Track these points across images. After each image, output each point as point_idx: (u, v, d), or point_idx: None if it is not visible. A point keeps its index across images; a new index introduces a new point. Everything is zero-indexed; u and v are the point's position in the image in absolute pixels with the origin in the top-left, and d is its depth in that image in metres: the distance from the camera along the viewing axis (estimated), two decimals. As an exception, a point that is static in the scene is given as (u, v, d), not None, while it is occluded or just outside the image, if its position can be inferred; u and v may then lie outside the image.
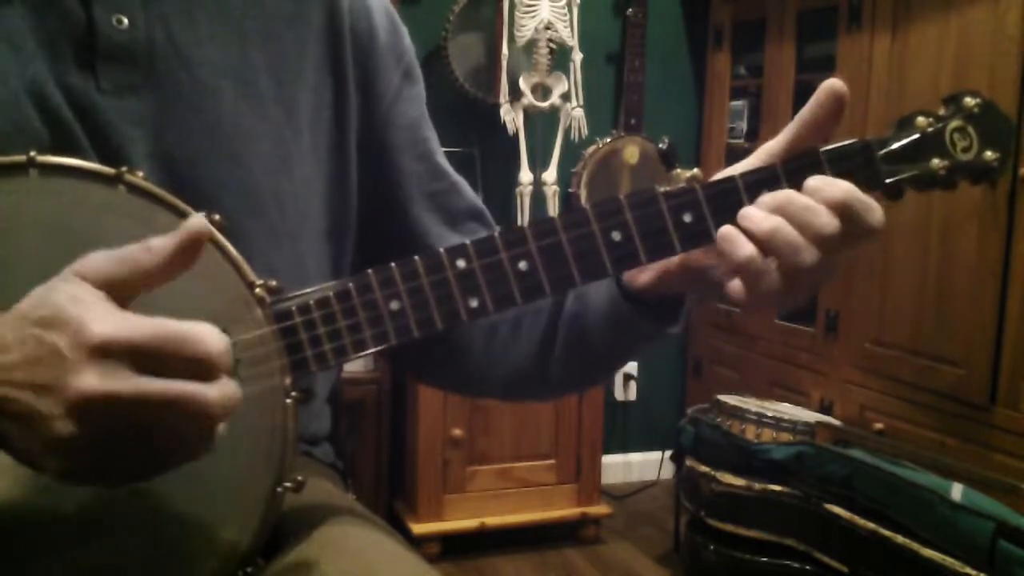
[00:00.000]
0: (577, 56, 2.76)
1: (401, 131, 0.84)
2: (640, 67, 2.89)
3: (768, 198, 0.65)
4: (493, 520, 2.60)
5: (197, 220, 0.58)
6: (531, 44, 2.71)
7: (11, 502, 0.60)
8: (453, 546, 2.57)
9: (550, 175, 2.80)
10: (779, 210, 0.64)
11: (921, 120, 0.69)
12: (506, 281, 0.67)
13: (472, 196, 0.89)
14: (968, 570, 1.79)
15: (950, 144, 0.69)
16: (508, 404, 2.57)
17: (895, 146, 0.68)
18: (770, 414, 2.31)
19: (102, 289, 0.55)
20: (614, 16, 3.07)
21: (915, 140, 0.69)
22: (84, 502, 0.62)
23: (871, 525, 1.97)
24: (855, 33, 2.49)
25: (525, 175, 2.79)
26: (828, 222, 0.63)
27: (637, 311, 0.74)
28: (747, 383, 2.84)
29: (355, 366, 2.56)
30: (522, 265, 0.67)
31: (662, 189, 0.67)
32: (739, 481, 2.22)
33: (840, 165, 0.67)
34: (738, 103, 3.03)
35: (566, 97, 2.76)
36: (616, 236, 0.67)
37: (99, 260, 0.56)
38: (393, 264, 0.66)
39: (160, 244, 0.57)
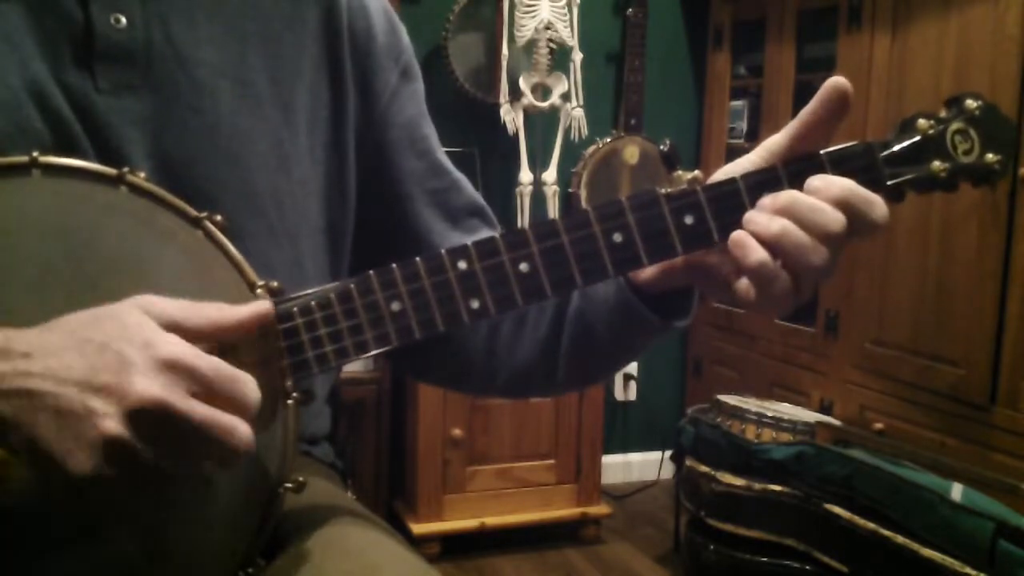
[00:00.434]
0: (577, 56, 2.76)
1: (400, 129, 0.84)
2: (640, 67, 2.89)
3: (771, 200, 0.65)
4: (493, 520, 2.60)
5: (266, 304, 0.63)
6: (531, 44, 2.71)
7: (10, 503, 0.60)
8: (453, 546, 2.57)
9: (550, 175, 2.80)
10: (784, 212, 0.64)
11: (922, 122, 0.69)
12: (507, 282, 0.67)
13: (473, 193, 0.89)
14: (968, 570, 1.79)
15: (951, 146, 0.69)
16: (508, 402, 2.58)
17: (897, 148, 0.68)
18: (770, 414, 2.31)
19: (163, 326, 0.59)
20: (614, 16, 3.07)
21: (917, 142, 0.69)
22: (84, 503, 0.62)
23: (871, 525, 1.97)
24: (855, 33, 2.49)
25: (525, 175, 2.79)
26: (835, 219, 0.64)
27: (645, 304, 0.74)
28: (747, 383, 2.84)
29: (355, 366, 2.56)
30: (523, 267, 0.67)
31: (663, 191, 0.67)
32: (739, 481, 2.22)
33: (842, 167, 0.67)
34: (738, 103, 3.03)
35: (566, 97, 2.76)
36: (618, 238, 0.67)
37: (163, 302, 0.60)
38: (395, 265, 0.66)
39: (231, 310, 0.61)
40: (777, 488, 2.16)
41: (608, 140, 2.86)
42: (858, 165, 0.67)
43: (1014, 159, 1.96)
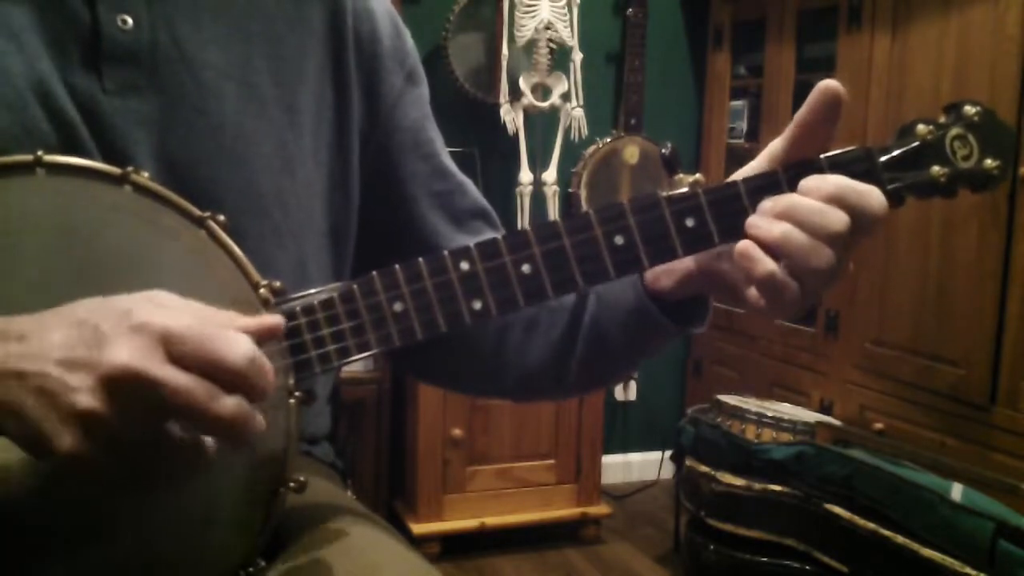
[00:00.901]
0: (577, 56, 2.76)
1: (405, 132, 0.84)
2: (640, 67, 2.89)
3: (771, 204, 0.66)
4: (493, 520, 2.60)
5: (277, 318, 0.62)
6: (531, 44, 2.71)
7: (10, 503, 0.60)
8: (453, 546, 2.57)
9: (550, 175, 2.80)
10: (785, 215, 0.65)
11: (922, 128, 0.70)
12: (509, 284, 0.67)
13: (477, 196, 0.89)
14: (968, 570, 1.79)
15: (950, 152, 0.70)
16: (510, 404, 2.58)
17: (896, 153, 0.69)
18: (770, 414, 2.31)
19: None
20: (614, 16, 3.08)
21: (916, 148, 0.69)
22: (84, 502, 0.62)
23: (871, 525, 1.97)
24: (855, 33, 2.49)
25: (525, 175, 2.79)
26: (836, 219, 0.64)
27: (663, 310, 0.75)
28: (747, 383, 2.84)
29: (355, 366, 2.56)
30: (525, 268, 0.67)
31: (665, 194, 0.67)
32: (739, 481, 2.22)
33: (841, 171, 0.67)
34: (738, 103, 3.03)
35: (566, 97, 2.76)
36: (619, 240, 0.67)
37: (175, 299, 0.59)
38: (397, 266, 0.67)
39: (241, 320, 0.60)
40: (777, 488, 2.17)
41: (608, 140, 2.87)
42: (857, 170, 0.67)
43: (1014, 160, 1.96)
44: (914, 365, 2.32)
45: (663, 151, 2.75)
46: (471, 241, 0.68)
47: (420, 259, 0.67)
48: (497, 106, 2.75)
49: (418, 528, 2.54)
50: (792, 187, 0.67)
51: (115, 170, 0.64)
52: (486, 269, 0.67)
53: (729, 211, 0.67)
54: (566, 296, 0.77)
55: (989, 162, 0.70)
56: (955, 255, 2.20)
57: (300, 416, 0.66)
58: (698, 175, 0.68)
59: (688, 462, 2.39)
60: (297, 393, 0.65)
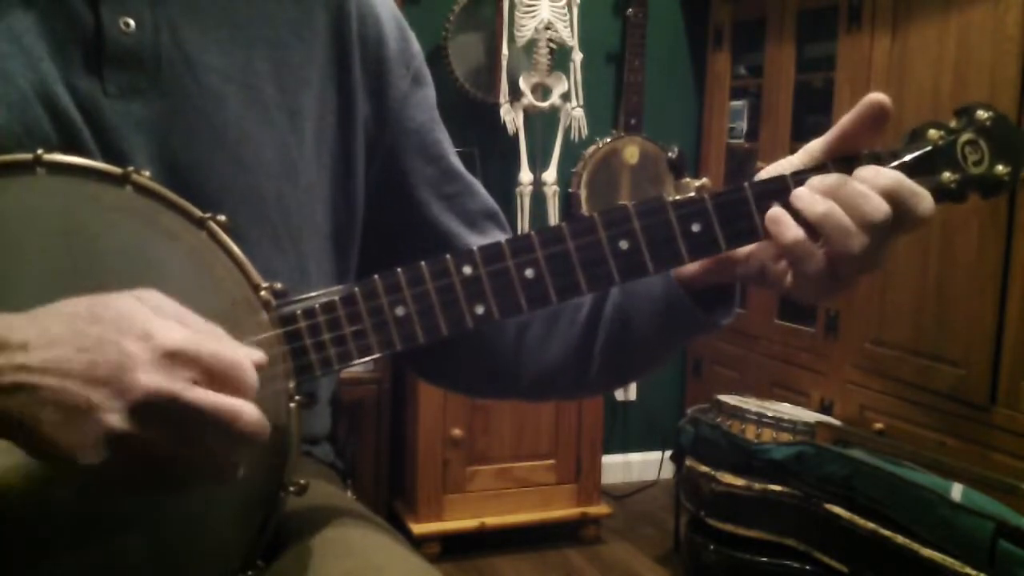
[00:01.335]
0: (577, 56, 2.76)
1: (412, 135, 0.84)
2: (640, 67, 2.89)
3: (819, 180, 0.66)
4: (493, 520, 2.60)
5: (258, 354, 0.62)
6: (531, 44, 2.71)
7: (10, 504, 0.60)
8: (453, 546, 2.57)
9: (550, 175, 2.80)
10: (831, 193, 0.65)
11: (933, 132, 0.69)
12: (512, 288, 0.67)
13: (486, 197, 0.89)
14: (968, 570, 1.79)
15: (961, 157, 0.69)
16: (510, 404, 2.57)
17: (906, 158, 0.69)
18: (770, 414, 2.31)
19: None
20: (614, 16, 3.07)
21: (926, 152, 0.69)
22: (85, 504, 0.62)
23: (871, 525, 1.97)
24: (855, 33, 2.49)
25: (525, 175, 2.79)
26: (878, 207, 0.64)
27: (692, 301, 0.74)
28: (747, 383, 2.84)
29: (355, 366, 2.56)
30: (528, 272, 0.67)
31: (670, 198, 0.67)
32: (739, 481, 2.22)
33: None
34: (738, 103, 3.03)
35: (566, 97, 2.76)
36: (623, 245, 0.67)
37: (157, 296, 0.59)
38: (399, 269, 0.66)
39: (228, 344, 0.60)
40: (777, 488, 2.17)
41: (608, 140, 2.87)
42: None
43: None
44: (914, 365, 2.32)
45: (669, 154, 2.76)
46: (485, 242, 0.68)
47: (422, 262, 0.66)
48: (497, 106, 2.75)
49: (418, 528, 2.54)
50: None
51: (116, 170, 0.64)
52: (489, 273, 0.67)
53: (735, 216, 0.67)
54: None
55: (1000, 168, 0.70)
56: (955, 255, 2.20)
57: (301, 419, 0.66)
58: (705, 180, 0.69)
59: (688, 462, 2.39)
60: (298, 396, 0.65)
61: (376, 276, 0.66)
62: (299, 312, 0.66)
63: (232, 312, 0.63)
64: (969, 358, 2.16)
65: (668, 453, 2.87)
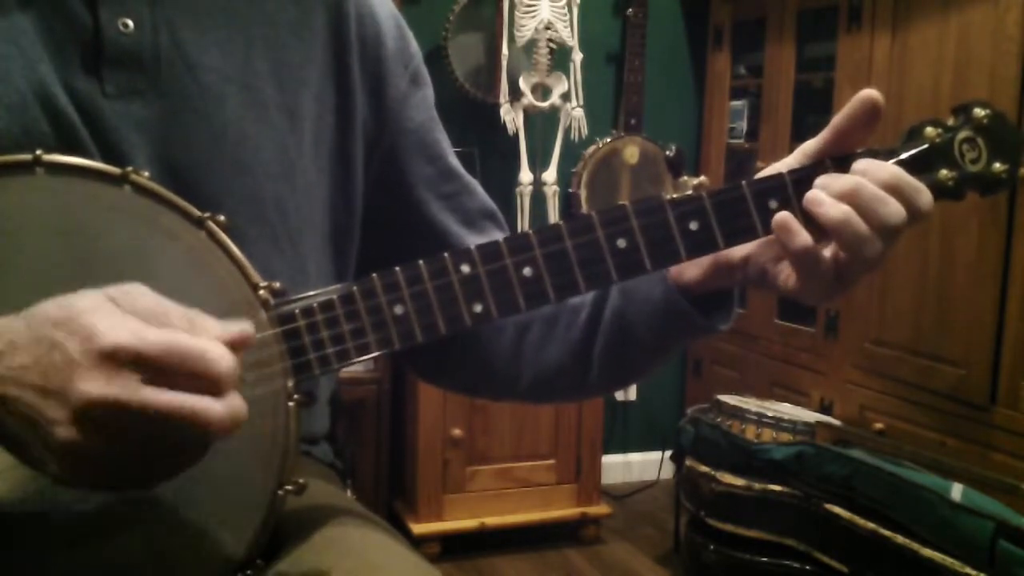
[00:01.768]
0: (577, 56, 2.76)
1: (410, 135, 0.84)
2: (640, 67, 2.89)
3: (832, 181, 0.65)
4: (493, 520, 2.60)
5: (247, 327, 0.59)
6: (531, 44, 2.71)
7: (10, 504, 0.60)
8: (453, 546, 2.57)
9: (550, 175, 2.80)
10: (848, 197, 0.64)
11: (930, 130, 0.69)
12: (510, 287, 0.67)
13: (484, 196, 0.89)
14: (968, 570, 1.79)
15: (959, 155, 0.69)
16: (510, 404, 2.57)
17: (904, 156, 0.69)
18: (770, 414, 2.31)
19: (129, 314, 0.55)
20: (614, 16, 3.07)
21: (924, 150, 0.69)
22: (84, 505, 0.62)
23: (871, 525, 1.97)
24: (855, 33, 2.49)
25: (525, 175, 2.79)
26: (896, 211, 0.64)
27: (690, 305, 0.73)
28: (747, 383, 2.84)
29: (355, 366, 2.56)
30: (526, 271, 0.67)
31: (668, 197, 0.67)
32: (739, 481, 2.22)
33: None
34: (738, 103, 3.03)
35: (566, 97, 2.76)
36: (621, 243, 0.67)
37: (136, 291, 0.56)
38: (397, 268, 0.66)
39: (211, 324, 0.57)
40: (777, 488, 2.17)
41: (608, 140, 2.87)
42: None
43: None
44: (914, 365, 2.32)
45: (667, 153, 2.76)
46: (483, 241, 0.68)
47: (420, 261, 0.66)
48: (497, 106, 2.75)
49: (418, 528, 2.54)
50: (797, 190, 0.67)
51: (115, 170, 0.64)
52: (487, 272, 0.67)
53: (733, 214, 0.67)
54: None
55: (998, 166, 0.70)
56: (955, 255, 2.20)
57: (299, 418, 0.66)
58: (703, 178, 0.69)
59: (688, 462, 2.39)
60: (296, 395, 0.65)
61: (374, 275, 0.66)
62: (298, 311, 0.65)
63: (231, 312, 0.63)
64: (969, 358, 2.16)
65: (668, 453, 2.87)
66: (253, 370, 0.63)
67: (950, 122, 0.70)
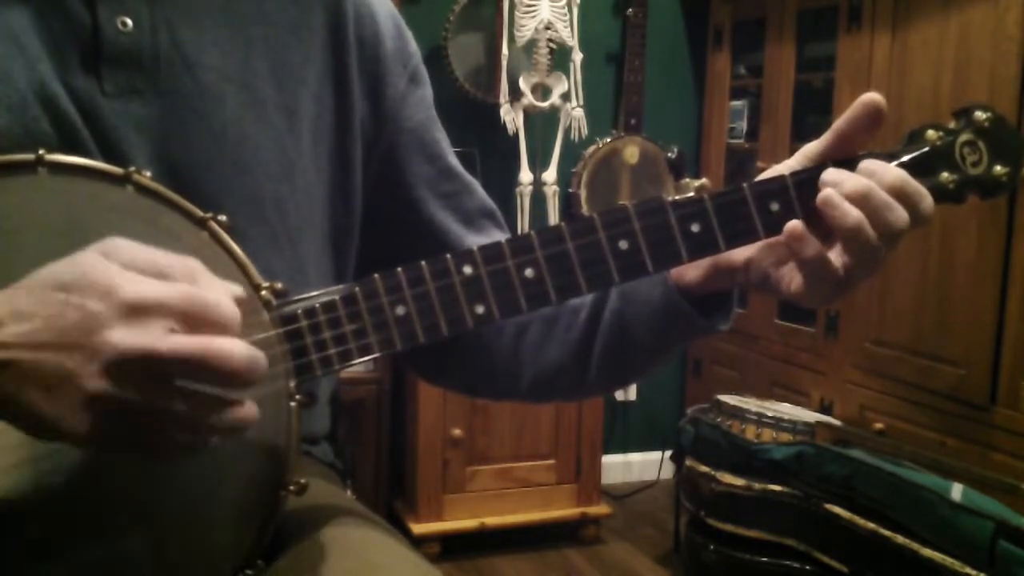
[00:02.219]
0: (577, 56, 2.76)
1: (410, 134, 0.84)
2: (640, 67, 2.89)
3: (846, 181, 0.65)
4: (493, 520, 2.60)
5: (237, 289, 0.60)
6: (531, 44, 2.71)
7: (10, 504, 0.60)
8: (453, 546, 2.57)
9: (550, 175, 2.80)
10: (859, 202, 0.64)
11: (931, 133, 0.69)
12: (512, 288, 0.67)
13: (484, 196, 0.89)
14: (968, 570, 1.79)
15: (960, 158, 0.69)
16: (510, 403, 2.57)
17: (905, 159, 0.69)
18: (770, 414, 2.31)
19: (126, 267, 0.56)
20: (614, 16, 3.07)
21: (924, 153, 0.69)
22: (85, 502, 0.62)
23: (871, 525, 1.98)
24: (855, 33, 2.49)
25: (525, 175, 2.79)
26: (900, 217, 0.64)
27: (690, 306, 0.74)
28: (747, 383, 2.84)
29: (355, 366, 2.56)
30: (528, 272, 0.67)
31: (670, 198, 0.67)
32: (739, 481, 2.22)
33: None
34: (738, 103, 3.03)
35: (566, 97, 2.76)
36: (623, 245, 0.67)
37: (125, 245, 0.57)
38: (399, 269, 0.66)
39: (209, 276, 0.59)
40: (777, 488, 2.17)
41: (608, 140, 2.87)
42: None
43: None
44: (914, 365, 2.32)
45: (669, 155, 2.76)
46: (483, 241, 0.68)
47: (423, 262, 0.66)
48: (497, 106, 2.75)
49: (418, 528, 2.54)
50: (798, 192, 0.67)
51: (117, 170, 0.64)
52: (489, 273, 0.67)
53: (735, 216, 0.67)
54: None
55: (999, 168, 0.70)
56: (955, 255, 2.20)
57: (301, 418, 0.66)
58: (704, 180, 0.69)
59: (688, 462, 2.39)
60: (298, 396, 0.65)
61: (376, 275, 0.66)
62: (300, 312, 0.65)
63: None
64: (969, 358, 2.16)
65: (668, 453, 2.87)
66: None
67: (951, 125, 0.71)
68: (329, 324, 0.66)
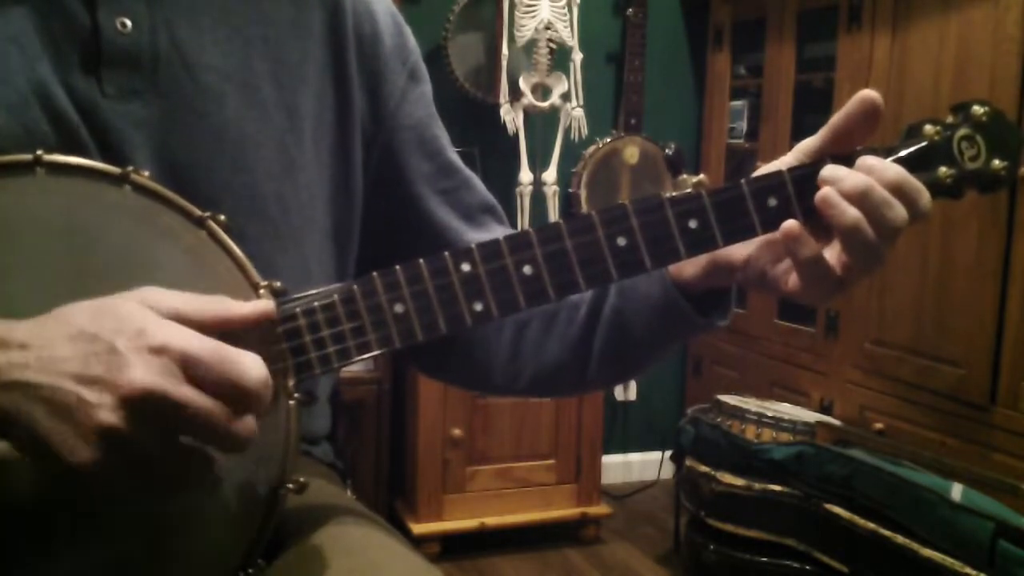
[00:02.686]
0: (577, 56, 2.76)
1: (409, 131, 0.84)
2: (640, 67, 2.89)
3: (845, 179, 0.65)
4: (493, 520, 2.60)
5: (269, 304, 0.63)
6: (531, 44, 2.71)
7: (10, 504, 0.60)
8: (453, 546, 2.57)
9: (550, 175, 2.80)
10: (858, 200, 0.64)
11: (929, 128, 0.69)
12: (511, 285, 0.67)
13: (484, 191, 0.89)
14: (968, 570, 1.79)
15: (958, 153, 0.69)
16: (508, 402, 2.58)
17: (903, 154, 0.69)
18: (770, 414, 2.31)
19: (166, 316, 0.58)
20: (614, 16, 3.07)
21: (923, 148, 0.69)
22: (84, 503, 0.62)
23: (871, 525, 1.98)
24: (855, 33, 2.49)
25: (525, 175, 2.79)
26: (899, 214, 0.64)
27: (690, 303, 0.74)
28: (747, 383, 2.84)
29: (355, 366, 2.56)
30: (527, 270, 0.67)
31: (668, 195, 0.67)
32: (739, 481, 2.22)
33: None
34: (738, 103, 3.03)
35: (566, 97, 2.76)
36: (621, 242, 0.67)
37: (165, 294, 0.59)
38: (398, 267, 0.66)
39: (234, 305, 0.61)
40: (777, 488, 2.17)
41: (608, 140, 2.87)
42: None
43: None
44: (914, 365, 2.32)
45: (667, 152, 2.76)
46: (483, 236, 0.68)
47: (421, 260, 0.67)
48: (497, 106, 2.75)
49: (418, 528, 2.54)
50: (796, 188, 0.67)
51: (115, 170, 0.64)
52: (487, 271, 0.67)
53: (732, 213, 0.67)
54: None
55: (996, 163, 0.70)
56: (955, 255, 2.20)
57: (300, 417, 0.66)
58: (702, 176, 0.69)
59: (688, 462, 2.39)
60: (297, 395, 0.65)
61: (375, 274, 0.66)
62: (298, 310, 0.66)
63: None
64: (969, 358, 2.16)
65: (668, 453, 2.87)
66: None
67: (949, 120, 0.71)
68: (327, 323, 0.66)
